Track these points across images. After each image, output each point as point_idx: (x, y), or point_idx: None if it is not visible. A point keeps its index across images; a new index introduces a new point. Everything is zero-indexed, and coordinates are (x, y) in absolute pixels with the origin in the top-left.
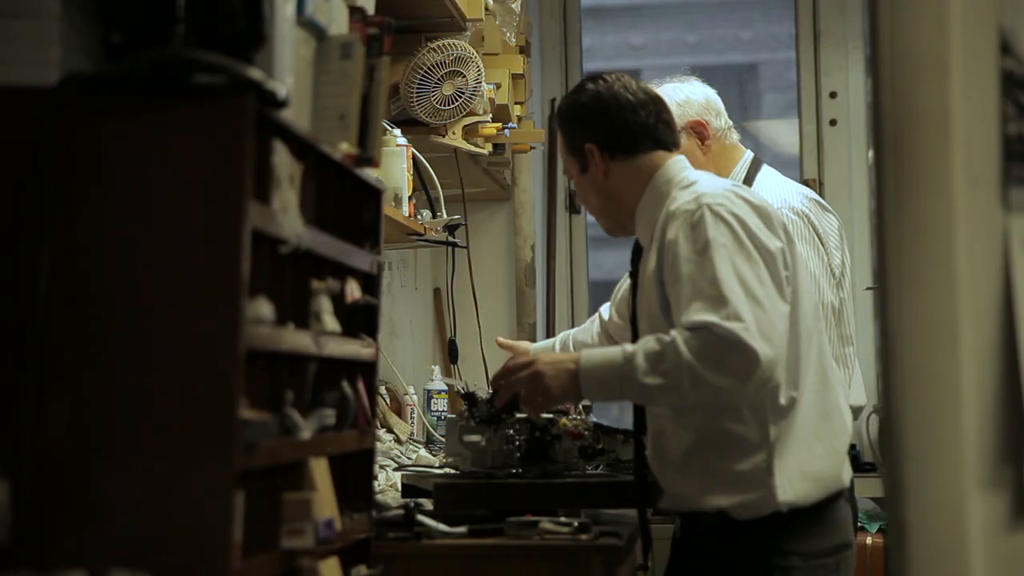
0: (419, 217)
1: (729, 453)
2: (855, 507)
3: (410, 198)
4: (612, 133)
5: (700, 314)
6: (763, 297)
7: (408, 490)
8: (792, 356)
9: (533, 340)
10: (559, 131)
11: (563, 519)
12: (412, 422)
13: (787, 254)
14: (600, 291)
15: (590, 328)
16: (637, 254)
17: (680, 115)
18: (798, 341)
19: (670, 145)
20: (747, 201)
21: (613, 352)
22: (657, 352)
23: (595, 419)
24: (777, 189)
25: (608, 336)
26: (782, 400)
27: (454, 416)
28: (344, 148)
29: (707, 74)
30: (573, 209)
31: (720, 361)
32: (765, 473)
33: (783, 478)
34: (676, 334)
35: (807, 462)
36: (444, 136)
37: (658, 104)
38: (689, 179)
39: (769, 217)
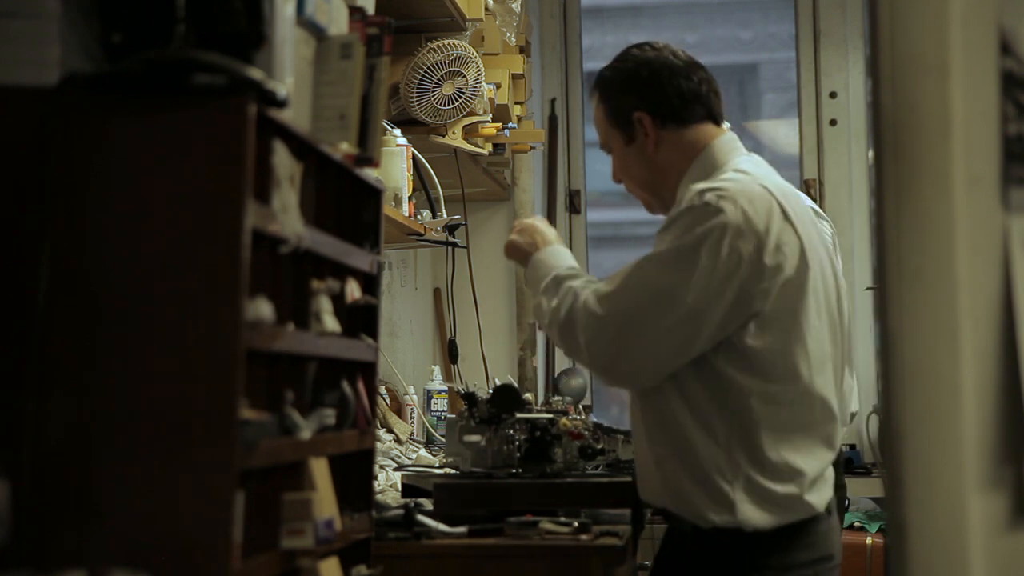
0: (419, 217)
1: (697, 468)
2: (844, 501)
3: (410, 198)
4: (664, 100)
5: (602, 288)
6: (651, 319)
7: (408, 490)
8: (786, 371)
9: (533, 340)
10: (600, 102)
11: (563, 519)
12: (412, 422)
13: (760, 279)
14: None
15: None
16: None
17: None
18: (793, 372)
19: (719, 117)
20: (756, 208)
21: (568, 260)
22: (559, 287)
23: (595, 419)
24: None
25: None
26: (759, 425)
27: (454, 416)
28: (344, 148)
29: None
30: (573, 209)
31: (563, 329)
32: (729, 495)
33: (746, 504)
34: (579, 289)
35: (778, 488)
36: (444, 136)
37: (707, 72)
38: (726, 169)
39: (763, 241)
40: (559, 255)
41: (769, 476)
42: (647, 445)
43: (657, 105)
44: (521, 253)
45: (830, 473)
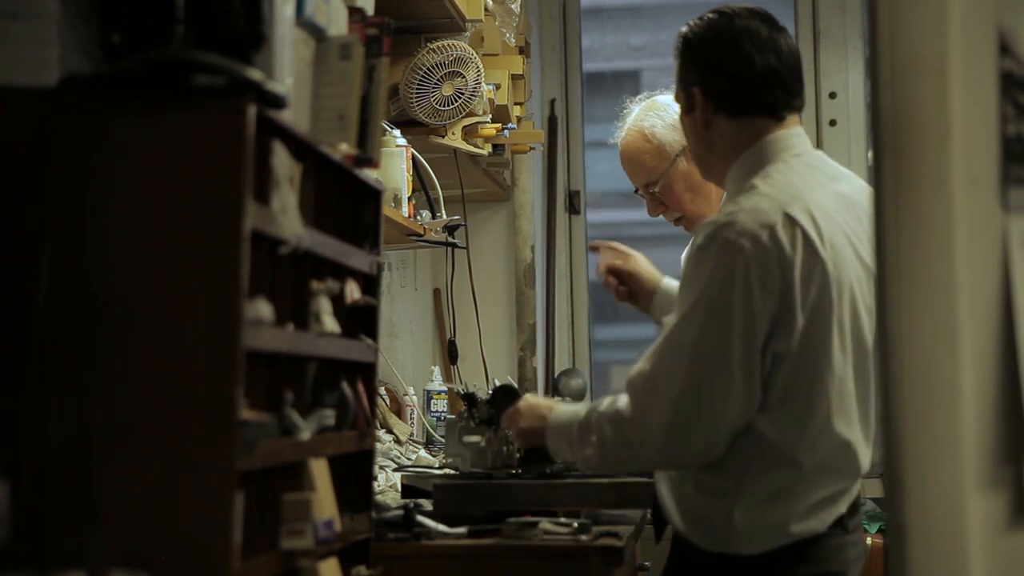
0: (419, 218)
1: (701, 490)
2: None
3: (410, 199)
4: (719, 83)
5: (644, 367)
6: (705, 381)
7: (408, 491)
8: (808, 419)
9: (533, 340)
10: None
11: (563, 519)
12: (412, 423)
13: (788, 315)
14: (600, 291)
15: None
16: None
17: (677, 139)
18: (811, 391)
19: (783, 110)
20: (777, 242)
21: (572, 414)
22: (588, 428)
23: None
24: None
25: None
26: (769, 462)
27: (454, 417)
28: (343, 149)
29: None
30: (573, 210)
31: (614, 449)
32: (727, 521)
33: (747, 531)
34: (607, 408)
35: (784, 517)
36: (443, 137)
37: (781, 57)
38: (760, 179)
39: (789, 277)
40: (565, 413)
41: (761, 511)
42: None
43: (711, 85)
44: (536, 435)
45: (843, 493)
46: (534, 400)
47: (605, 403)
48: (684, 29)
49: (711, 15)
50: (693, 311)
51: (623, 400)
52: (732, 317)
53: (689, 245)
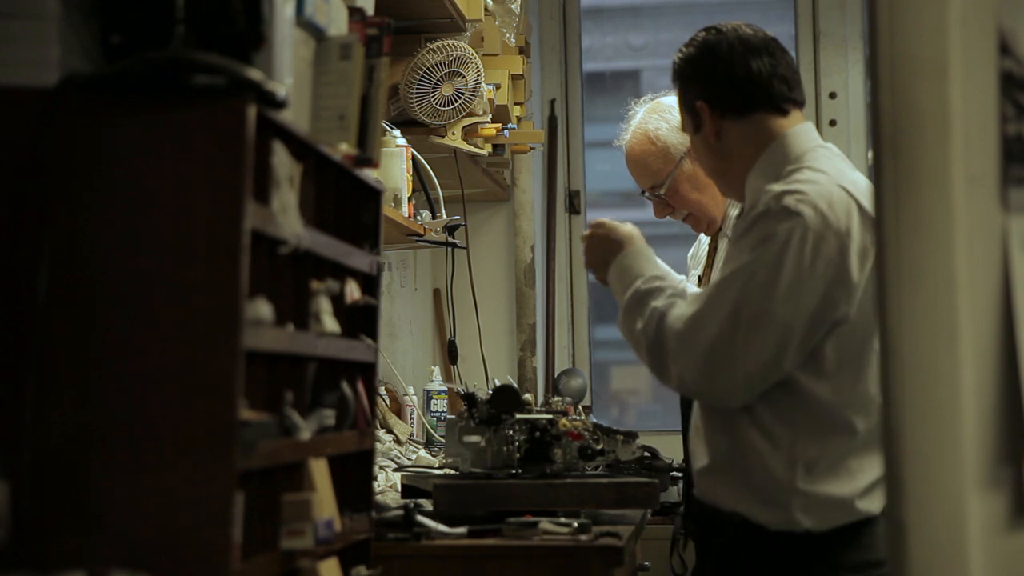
0: (419, 218)
1: (755, 470)
2: None
3: (409, 199)
4: (721, 89)
5: (686, 310)
6: (741, 334)
7: (408, 491)
8: (860, 383)
9: (533, 340)
10: (675, 88)
11: (563, 520)
12: (412, 423)
13: (845, 284)
14: (600, 291)
15: None
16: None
17: (682, 140)
18: (861, 356)
19: (788, 104)
20: (835, 211)
21: (648, 266)
22: (643, 307)
23: (595, 420)
24: None
25: None
26: (823, 431)
27: (454, 417)
28: (343, 149)
29: None
30: (573, 209)
31: (652, 354)
32: (783, 499)
33: (799, 509)
34: (664, 310)
35: (832, 492)
36: (443, 137)
37: (776, 56)
38: (799, 163)
39: (846, 244)
40: (636, 261)
41: (825, 481)
42: (706, 443)
43: (714, 94)
44: (600, 264)
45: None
46: (611, 227)
47: (663, 298)
48: (676, 56)
49: (699, 34)
50: (743, 268)
51: (670, 325)
52: (781, 277)
53: (743, 214)
